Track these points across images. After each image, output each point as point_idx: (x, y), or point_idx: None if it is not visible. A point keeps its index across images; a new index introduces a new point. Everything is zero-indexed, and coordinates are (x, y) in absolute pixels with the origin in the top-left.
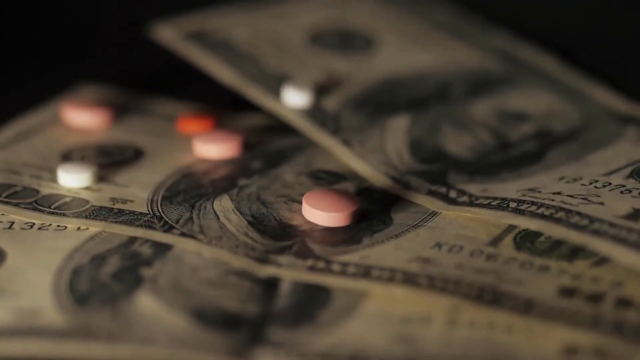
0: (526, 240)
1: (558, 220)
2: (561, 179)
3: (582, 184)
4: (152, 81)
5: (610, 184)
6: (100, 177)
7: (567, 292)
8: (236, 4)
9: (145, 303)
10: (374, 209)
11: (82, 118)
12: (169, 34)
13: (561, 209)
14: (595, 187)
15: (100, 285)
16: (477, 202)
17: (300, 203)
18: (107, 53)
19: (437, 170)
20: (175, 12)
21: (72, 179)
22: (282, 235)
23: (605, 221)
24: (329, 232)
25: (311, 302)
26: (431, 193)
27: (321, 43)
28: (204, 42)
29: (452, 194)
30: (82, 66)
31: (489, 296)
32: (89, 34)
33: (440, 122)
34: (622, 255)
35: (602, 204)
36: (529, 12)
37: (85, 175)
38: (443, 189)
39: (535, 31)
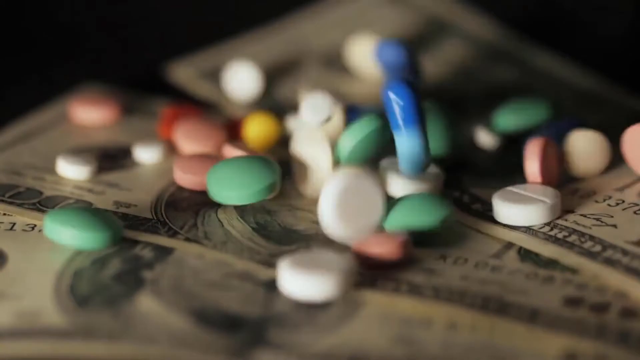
0: (530, 252)
1: (571, 245)
2: (576, 191)
3: (596, 201)
4: (152, 81)
5: (623, 201)
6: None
7: (572, 302)
8: (248, 34)
9: (146, 304)
10: None
11: (89, 113)
12: (184, 74)
13: (574, 230)
14: (609, 205)
15: (101, 287)
16: (490, 214)
17: (304, 210)
18: (107, 53)
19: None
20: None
21: (73, 170)
22: (286, 240)
23: (618, 248)
24: None
25: (312, 304)
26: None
27: (335, 65)
28: (219, 79)
29: (466, 198)
30: (80, 66)
31: (494, 306)
32: (87, 34)
33: (456, 125)
34: (634, 288)
35: (614, 226)
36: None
37: (86, 168)
38: (456, 193)
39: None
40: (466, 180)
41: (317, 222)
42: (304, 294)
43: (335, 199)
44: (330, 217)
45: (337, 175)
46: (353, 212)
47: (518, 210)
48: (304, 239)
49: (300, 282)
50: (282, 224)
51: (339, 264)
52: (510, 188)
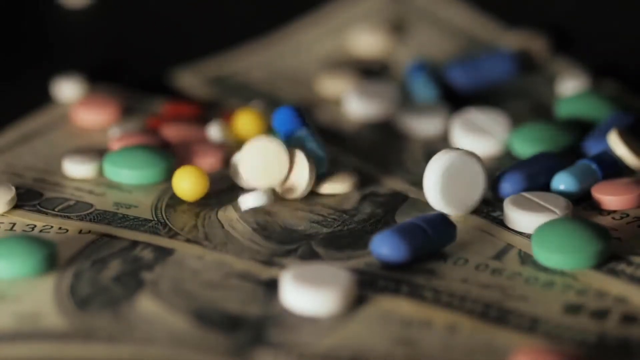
0: (530, 255)
1: None
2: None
3: (600, 214)
4: (151, 80)
5: (627, 215)
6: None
7: (573, 309)
8: (251, 43)
9: (146, 305)
10: (378, 213)
11: (90, 115)
12: (190, 80)
13: None
14: (613, 218)
15: (101, 289)
16: (494, 214)
17: (304, 211)
18: (105, 52)
19: None
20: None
21: (80, 169)
22: (287, 239)
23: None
24: (335, 235)
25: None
26: None
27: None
28: (224, 86)
29: None
30: (81, 67)
31: (495, 313)
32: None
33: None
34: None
35: (619, 239)
36: None
37: (92, 165)
38: None
39: None
40: None
41: (317, 222)
42: (305, 309)
43: (439, 175)
44: (433, 193)
45: (441, 154)
46: (456, 189)
47: (526, 217)
48: (304, 239)
49: (302, 296)
50: (282, 225)
51: (340, 279)
52: (524, 194)
